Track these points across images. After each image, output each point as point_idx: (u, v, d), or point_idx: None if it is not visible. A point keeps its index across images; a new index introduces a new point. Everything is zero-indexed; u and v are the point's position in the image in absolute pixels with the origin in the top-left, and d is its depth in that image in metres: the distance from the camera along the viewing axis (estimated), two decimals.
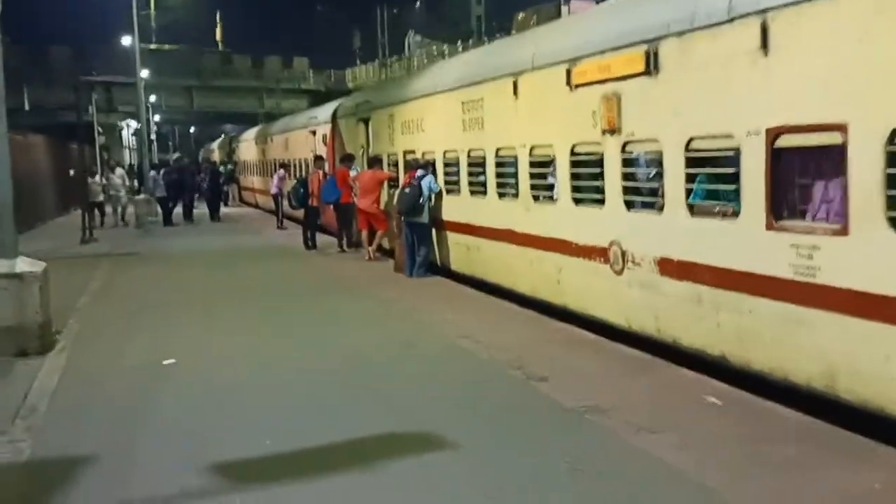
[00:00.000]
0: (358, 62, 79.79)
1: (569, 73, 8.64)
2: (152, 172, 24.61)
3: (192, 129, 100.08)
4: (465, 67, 12.12)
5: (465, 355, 7.80)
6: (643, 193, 7.99)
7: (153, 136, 57.29)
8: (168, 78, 62.82)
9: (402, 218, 12.85)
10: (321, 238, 17.21)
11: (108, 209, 24.34)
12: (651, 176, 7.97)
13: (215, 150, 64.37)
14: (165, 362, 7.56)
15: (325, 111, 21.19)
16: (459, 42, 59.67)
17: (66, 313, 9.90)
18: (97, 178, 24.78)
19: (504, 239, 10.74)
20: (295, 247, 17.29)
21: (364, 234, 15.29)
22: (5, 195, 8.15)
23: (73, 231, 20.45)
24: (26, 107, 51.34)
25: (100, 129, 53.61)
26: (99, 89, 55.48)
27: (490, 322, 9.26)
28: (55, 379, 7.07)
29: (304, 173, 19.80)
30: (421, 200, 12.55)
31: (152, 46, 66.25)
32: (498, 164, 10.77)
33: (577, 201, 8.93)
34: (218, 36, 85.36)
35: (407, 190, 12.59)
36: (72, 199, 25.99)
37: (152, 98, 55.77)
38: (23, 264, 8.07)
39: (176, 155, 59.61)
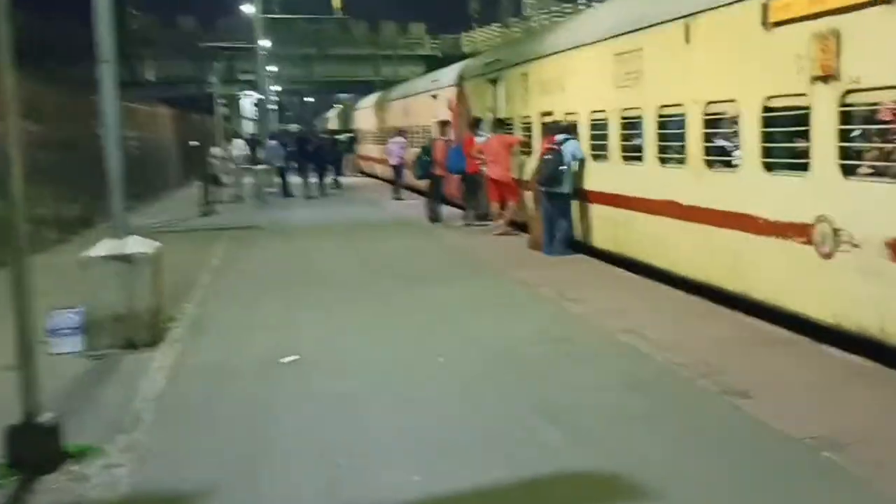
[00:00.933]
0: (474, 25, 78.05)
1: (765, 8, 7.02)
2: (272, 142, 24.04)
3: (308, 100, 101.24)
4: (618, 13, 10.56)
5: (635, 356, 6.44)
6: (869, 157, 6.36)
7: (273, 107, 57.85)
8: (288, 47, 63.20)
9: (541, 188, 11.50)
10: (446, 210, 16.05)
11: (227, 180, 24.00)
12: (882, 134, 6.33)
13: (332, 119, 64.66)
14: (287, 359, 6.55)
15: (450, 73, 19.96)
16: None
17: (183, 295, 9.14)
18: (218, 149, 24.49)
19: (665, 212, 9.24)
20: (418, 219, 16.22)
21: (495, 205, 14.02)
22: (116, 169, 7.31)
23: (195, 203, 20.12)
24: (152, 77, 52.51)
25: (222, 100, 54.42)
26: (220, 58, 56.17)
27: (655, 313, 7.84)
28: (165, 379, 6.18)
29: (427, 141, 18.69)
30: (562, 168, 11.15)
31: (273, 16, 66.74)
32: (660, 126, 9.25)
33: (768, 167, 7.34)
34: (336, 4, 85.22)
35: (548, 157, 11.21)
36: (193, 170, 25.89)
37: (273, 68, 56.15)
38: (134, 244, 7.23)
39: (295, 126, 60.28)
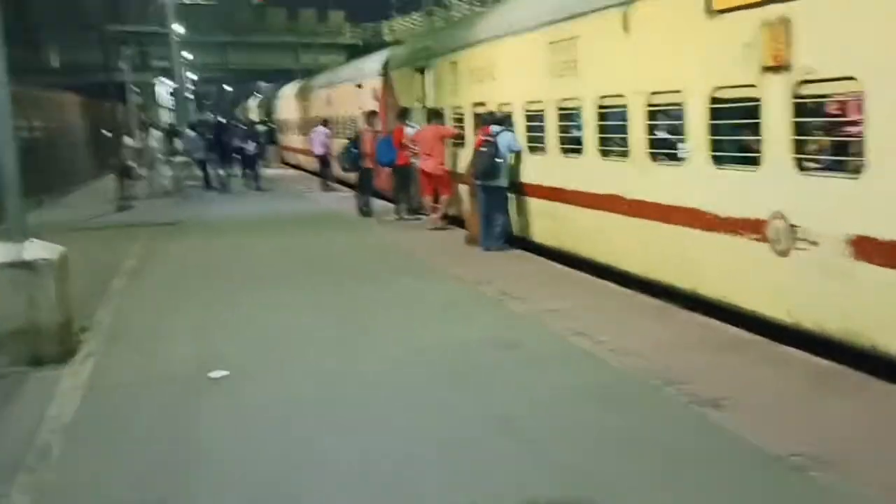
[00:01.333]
0: (394, 14, 77.21)
1: None
2: (190, 132, 22.95)
3: (227, 89, 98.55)
4: (552, 1, 10.22)
5: (590, 361, 6.11)
6: (824, 151, 6.16)
7: (190, 96, 55.73)
8: (202, 34, 61.25)
9: (477, 181, 11.10)
10: (377, 203, 15.54)
11: (143, 172, 22.85)
12: (838, 126, 6.13)
13: (253, 109, 63.05)
14: (216, 374, 5.98)
15: (374, 62, 19.38)
16: None
17: (96, 301, 8.40)
18: (131, 140, 23.26)
19: (607, 207, 8.96)
20: (348, 213, 15.63)
21: (427, 199, 13.58)
22: (11, 163, 6.56)
23: (109, 197, 19.04)
24: (56, 64, 49.95)
25: (135, 88, 52.38)
26: (131, 43, 53.96)
27: (604, 312, 7.54)
28: (76, 401, 5.53)
29: (351, 131, 18.10)
30: (498, 161, 10.77)
31: (185, 1, 64.52)
32: (601, 117, 8.95)
33: (718, 161, 7.10)
34: None
35: (483, 149, 10.80)
36: (105, 162, 24.60)
37: (188, 55, 54.27)
38: (35, 250, 6.50)
39: (212, 116, 58.35)
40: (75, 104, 25.60)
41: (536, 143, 10.64)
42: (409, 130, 14.35)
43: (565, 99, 9.71)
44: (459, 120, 13.24)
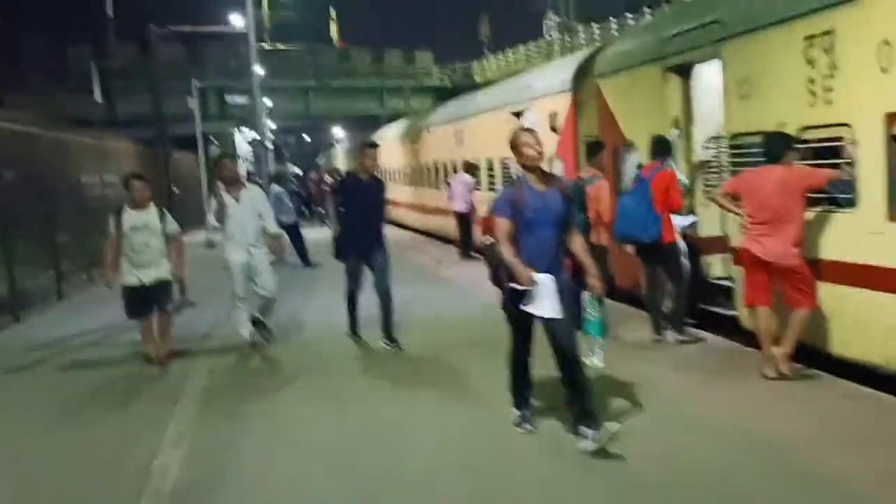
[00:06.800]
0: (486, 52, 71.32)
1: None
2: (276, 187, 16.50)
3: (306, 138, 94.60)
4: None
5: None
6: None
7: (270, 146, 50.34)
8: (283, 80, 56.82)
9: None
10: (613, 309, 8.74)
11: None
12: None
13: (339, 157, 57.73)
14: None
15: (549, 75, 12.91)
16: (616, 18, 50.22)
17: None
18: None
19: None
20: None
21: (762, 313, 6.70)
22: None
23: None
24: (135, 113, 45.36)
25: (214, 140, 47.65)
26: (211, 92, 49.44)
27: None
28: None
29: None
30: None
31: (267, 46, 60.15)
32: None
33: None
34: (333, 33, 78.76)
35: None
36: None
37: (268, 102, 49.45)
38: None
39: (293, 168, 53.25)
40: (130, 154, 19.84)
41: None
42: (680, 176, 7.84)
43: None
44: (830, 154, 6.51)
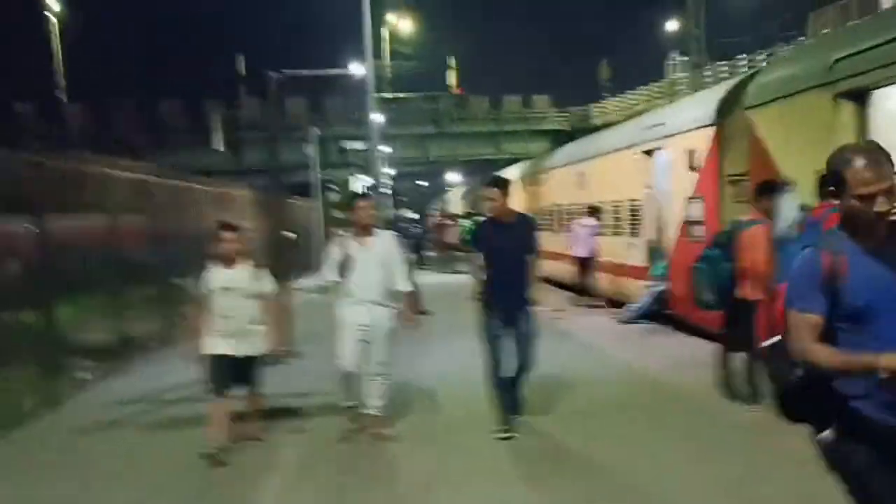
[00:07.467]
0: (605, 94, 69.88)
1: None
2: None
3: (420, 184, 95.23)
4: None
5: None
6: None
7: (387, 191, 50.68)
8: (402, 128, 57.54)
9: None
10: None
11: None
12: None
13: (453, 202, 57.49)
14: None
15: (692, 109, 11.68)
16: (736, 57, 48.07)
17: None
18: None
19: None
20: (691, 386, 7.66)
21: None
22: None
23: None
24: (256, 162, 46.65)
25: (334, 187, 48.32)
26: (329, 141, 50.33)
27: None
28: None
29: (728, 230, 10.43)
30: None
31: (387, 95, 60.94)
32: None
33: None
34: (451, 81, 79.35)
35: None
36: (283, 275, 18.27)
37: (386, 149, 49.86)
38: None
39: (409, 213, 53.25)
40: (247, 201, 19.74)
41: None
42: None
43: None
44: None
